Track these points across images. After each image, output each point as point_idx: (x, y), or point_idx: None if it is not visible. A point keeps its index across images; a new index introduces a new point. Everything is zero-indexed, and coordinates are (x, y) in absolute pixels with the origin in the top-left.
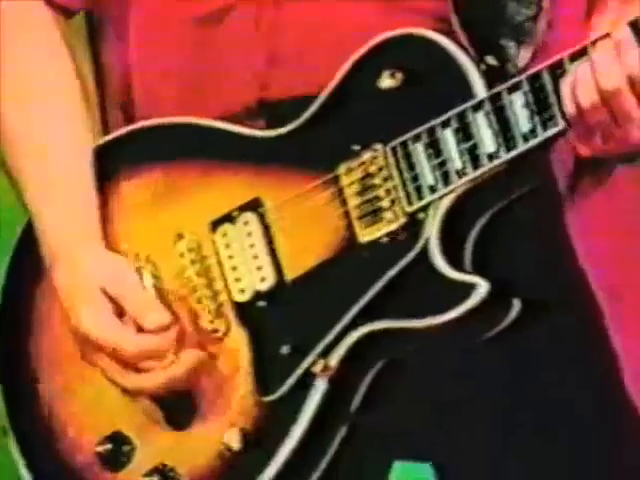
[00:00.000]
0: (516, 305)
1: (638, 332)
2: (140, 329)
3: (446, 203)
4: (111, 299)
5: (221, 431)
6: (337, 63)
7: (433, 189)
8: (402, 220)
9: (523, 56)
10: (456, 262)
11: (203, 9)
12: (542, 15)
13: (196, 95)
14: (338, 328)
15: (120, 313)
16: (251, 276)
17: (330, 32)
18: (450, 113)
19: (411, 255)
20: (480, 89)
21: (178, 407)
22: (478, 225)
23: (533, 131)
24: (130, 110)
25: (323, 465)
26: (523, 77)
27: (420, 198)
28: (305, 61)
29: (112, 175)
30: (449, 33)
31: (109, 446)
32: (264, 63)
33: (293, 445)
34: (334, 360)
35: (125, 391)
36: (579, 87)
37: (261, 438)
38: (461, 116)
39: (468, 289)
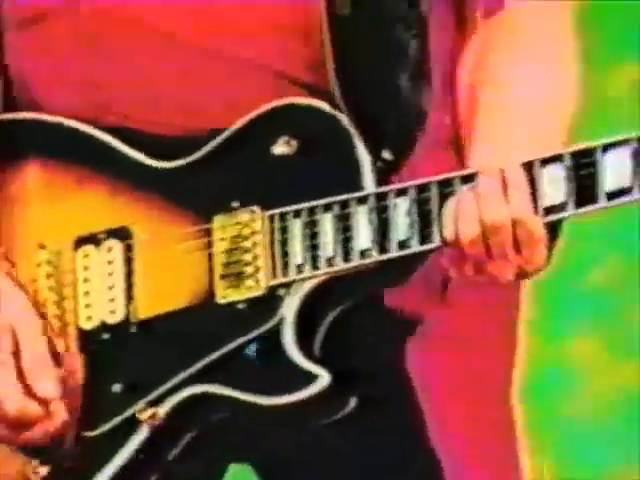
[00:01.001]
0: (352, 402)
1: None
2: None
3: (308, 286)
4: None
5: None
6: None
7: (300, 269)
8: (262, 291)
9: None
10: (305, 347)
11: (22, 13)
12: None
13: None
14: (174, 381)
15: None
16: (102, 306)
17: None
18: (335, 199)
19: (263, 329)
20: (369, 183)
21: None
22: (334, 313)
23: (408, 241)
24: None
25: None
26: (412, 184)
27: (285, 274)
28: (119, 89)
29: None
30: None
31: None
32: (84, 82)
33: None
34: (162, 411)
35: None
36: (462, 216)
37: (72, 471)
38: (344, 204)
39: (310, 378)
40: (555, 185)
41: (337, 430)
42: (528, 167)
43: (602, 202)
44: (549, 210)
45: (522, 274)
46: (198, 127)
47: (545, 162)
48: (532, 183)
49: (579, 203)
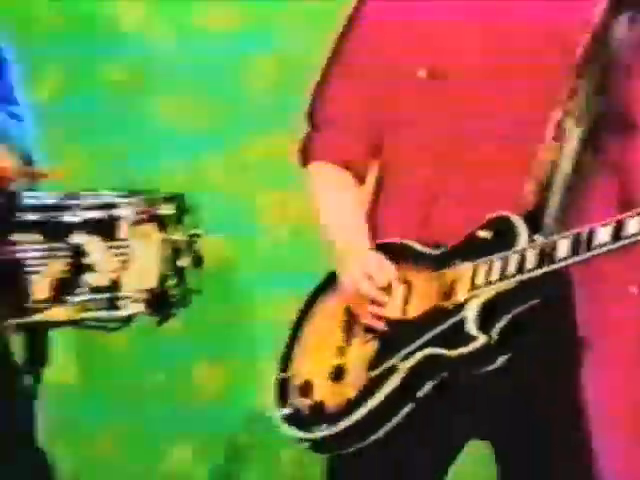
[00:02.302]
0: (500, 360)
1: None
2: None
3: (490, 292)
4: None
5: None
6: None
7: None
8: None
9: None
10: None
11: None
12: None
13: None
14: (416, 345)
15: None
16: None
17: None
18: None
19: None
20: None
21: None
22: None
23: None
24: None
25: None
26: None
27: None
28: None
29: None
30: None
31: None
32: None
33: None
34: (408, 365)
35: None
36: None
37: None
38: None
39: (473, 339)
40: None
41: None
42: None
43: None
44: None
45: None
46: None
47: None
48: None
49: None
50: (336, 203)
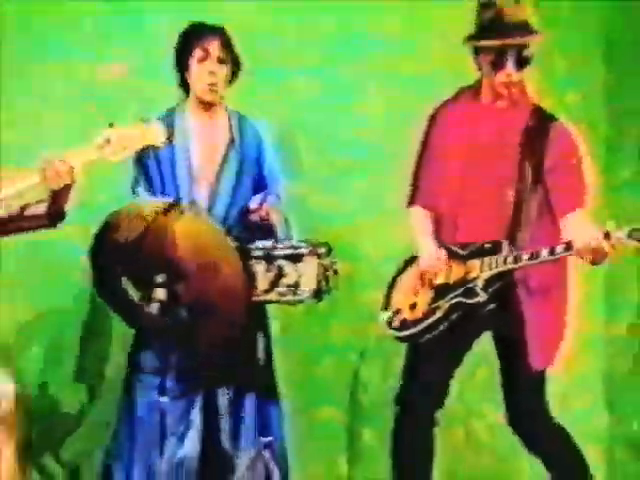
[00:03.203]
0: (490, 307)
1: None
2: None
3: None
4: None
5: None
6: None
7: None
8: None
9: None
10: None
11: None
12: None
13: None
14: (452, 295)
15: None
16: None
17: None
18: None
19: (472, 284)
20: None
21: None
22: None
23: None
24: None
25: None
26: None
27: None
28: None
29: None
30: None
31: None
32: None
33: (429, 322)
34: (447, 305)
35: None
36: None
37: None
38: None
39: (477, 294)
40: None
41: None
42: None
43: None
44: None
45: None
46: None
47: None
48: None
49: None
50: (420, 225)
